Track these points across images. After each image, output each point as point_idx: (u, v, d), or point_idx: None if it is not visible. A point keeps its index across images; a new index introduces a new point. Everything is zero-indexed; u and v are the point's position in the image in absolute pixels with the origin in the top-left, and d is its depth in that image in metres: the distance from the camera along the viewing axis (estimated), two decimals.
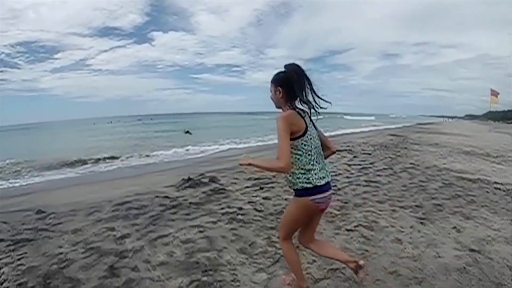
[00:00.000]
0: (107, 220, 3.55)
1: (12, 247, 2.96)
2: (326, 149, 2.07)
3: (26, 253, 2.85)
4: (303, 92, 1.88)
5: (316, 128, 2.00)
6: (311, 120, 1.98)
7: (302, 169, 1.87)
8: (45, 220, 3.68)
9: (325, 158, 2.06)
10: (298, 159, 1.87)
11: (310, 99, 1.91)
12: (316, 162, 1.90)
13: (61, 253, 2.79)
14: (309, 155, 1.87)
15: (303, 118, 1.91)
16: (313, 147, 1.89)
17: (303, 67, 1.90)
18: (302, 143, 1.86)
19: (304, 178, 1.86)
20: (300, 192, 1.90)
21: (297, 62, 1.92)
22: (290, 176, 1.92)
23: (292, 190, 1.98)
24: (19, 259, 2.73)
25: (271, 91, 1.98)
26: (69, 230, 3.32)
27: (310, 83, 1.90)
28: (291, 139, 1.84)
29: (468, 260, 2.67)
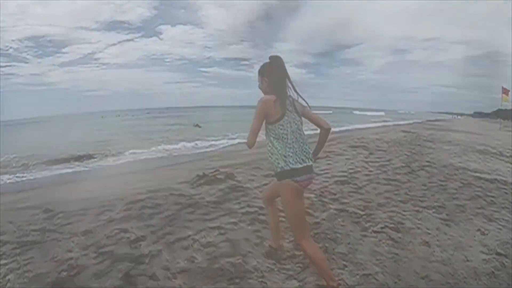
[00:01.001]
0: (119, 221, 3.28)
1: (18, 251, 2.73)
2: (320, 128, 2.19)
3: (33, 257, 2.61)
4: (283, 82, 2.10)
5: (298, 113, 2.12)
6: (294, 105, 2.12)
7: (279, 152, 2.00)
8: (53, 220, 3.42)
9: (323, 138, 2.23)
10: (276, 142, 2.02)
11: (289, 90, 2.12)
12: (295, 145, 2.01)
13: (71, 258, 2.54)
14: (285, 138, 2.00)
15: (284, 104, 2.04)
16: (289, 131, 2.01)
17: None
18: (278, 127, 2.00)
19: (282, 160, 1.99)
20: (279, 175, 2.02)
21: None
22: (270, 158, 2.07)
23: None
24: (26, 265, 2.49)
25: (259, 81, 2.18)
26: (79, 231, 3.06)
27: (288, 76, 2.11)
28: (270, 123, 2.02)
29: (496, 264, 2.63)
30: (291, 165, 1.97)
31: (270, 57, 2.13)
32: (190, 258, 2.56)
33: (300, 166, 1.99)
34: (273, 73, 2.11)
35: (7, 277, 2.34)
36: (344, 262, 2.58)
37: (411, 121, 31.86)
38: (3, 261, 2.56)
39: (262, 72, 2.15)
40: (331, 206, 3.72)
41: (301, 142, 2.06)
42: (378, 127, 22.83)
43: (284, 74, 2.11)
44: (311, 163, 2.07)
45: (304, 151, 2.05)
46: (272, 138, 2.03)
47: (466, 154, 7.90)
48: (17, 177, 7.78)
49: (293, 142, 2.01)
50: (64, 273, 2.35)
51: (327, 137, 2.23)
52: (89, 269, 2.40)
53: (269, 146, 2.06)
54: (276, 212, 2.60)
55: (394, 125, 25.80)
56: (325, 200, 3.89)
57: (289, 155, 1.98)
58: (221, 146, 12.68)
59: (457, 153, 8.03)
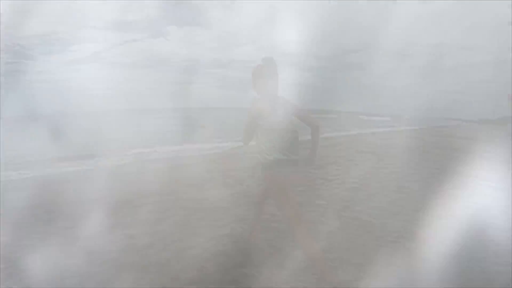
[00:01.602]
0: (125, 226, 3.17)
1: (18, 255, 2.62)
2: (309, 126, 2.29)
3: (33, 263, 2.48)
4: (274, 83, 2.22)
5: (287, 112, 2.21)
6: (284, 105, 2.21)
7: (263, 145, 2.17)
8: (56, 222, 3.33)
9: (314, 136, 2.30)
10: (262, 136, 2.18)
11: (277, 90, 2.24)
12: (278, 140, 2.15)
13: (74, 265, 2.42)
14: (269, 134, 2.15)
15: (273, 103, 2.18)
16: (275, 128, 2.15)
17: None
18: (265, 124, 2.15)
19: (265, 153, 2.16)
20: (262, 166, 2.20)
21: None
22: (257, 150, 2.22)
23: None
24: (25, 271, 2.38)
25: (252, 82, 2.30)
26: (82, 236, 2.95)
27: (277, 77, 2.23)
28: (260, 120, 2.16)
29: None
30: (273, 156, 2.13)
31: (263, 59, 2.24)
32: (201, 268, 2.45)
33: (281, 157, 2.14)
34: (265, 75, 2.23)
35: (5, 284, 2.23)
36: (361, 274, 2.48)
37: (416, 127, 31.80)
38: (1, 266, 2.45)
39: (255, 73, 2.27)
40: (343, 214, 3.63)
41: (287, 138, 2.18)
42: (385, 132, 22.81)
43: (275, 76, 2.23)
44: (295, 157, 2.21)
45: (288, 147, 2.17)
46: (259, 133, 2.20)
47: (474, 162, 7.80)
48: (19, 173, 7.73)
49: (276, 138, 2.15)
50: (67, 281, 2.24)
51: (318, 134, 2.33)
52: (93, 278, 2.30)
53: (256, 141, 2.25)
54: (260, 215, 2.78)
55: (401, 130, 25.85)
56: (338, 208, 3.79)
57: (271, 148, 2.14)
58: (226, 148, 12.61)
59: (466, 160, 7.94)
